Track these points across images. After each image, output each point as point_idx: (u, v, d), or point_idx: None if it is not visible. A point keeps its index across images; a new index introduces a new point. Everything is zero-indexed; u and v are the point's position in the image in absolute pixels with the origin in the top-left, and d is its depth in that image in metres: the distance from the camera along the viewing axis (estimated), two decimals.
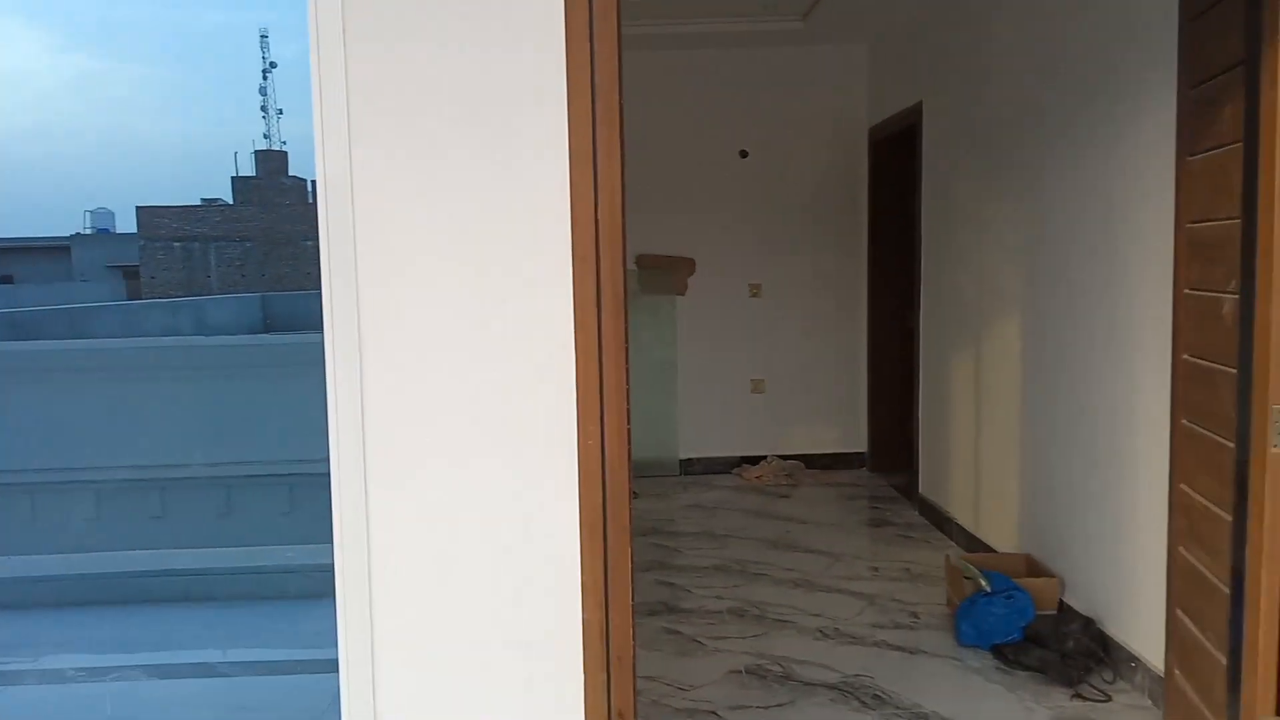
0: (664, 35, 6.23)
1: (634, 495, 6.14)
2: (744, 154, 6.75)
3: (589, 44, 2.06)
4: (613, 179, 2.09)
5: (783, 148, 6.75)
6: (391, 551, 2.09)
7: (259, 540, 5.83)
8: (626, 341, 2.17)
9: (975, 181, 4.96)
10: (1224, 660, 2.62)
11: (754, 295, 6.83)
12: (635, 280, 6.70)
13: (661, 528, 5.52)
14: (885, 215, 6.56)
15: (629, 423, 2.14)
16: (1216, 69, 2.70)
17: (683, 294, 6.76)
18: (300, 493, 6.64)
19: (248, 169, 30.83)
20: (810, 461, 6.80)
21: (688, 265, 6.75)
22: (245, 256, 27.54)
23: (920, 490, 5.79)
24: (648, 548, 5.12)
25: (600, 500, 2.09)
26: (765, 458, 6.74)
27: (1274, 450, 2.35)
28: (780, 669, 3.59)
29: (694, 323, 6.78)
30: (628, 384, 2.15)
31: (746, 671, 3.57)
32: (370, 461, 2.07)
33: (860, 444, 6.88)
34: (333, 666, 2.15)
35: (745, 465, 6.74)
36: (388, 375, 2.06)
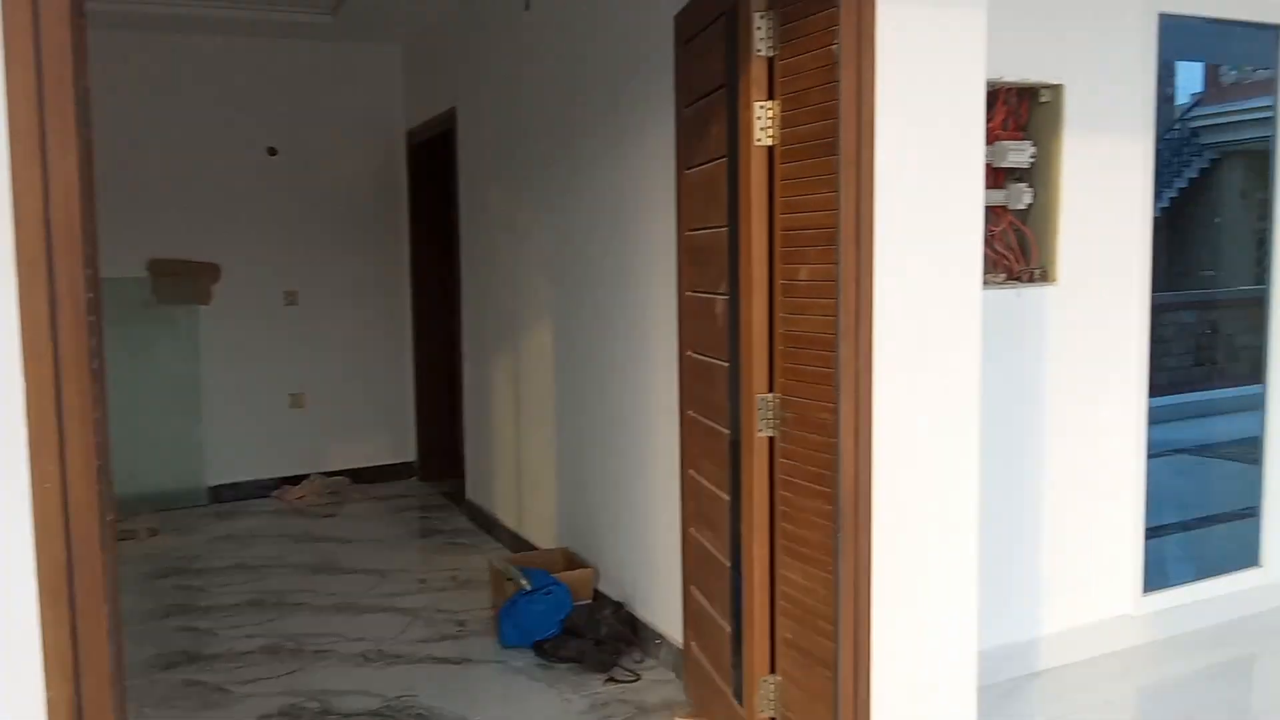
0: (182, 17, 5.63)
1: (152, 533, 5.49)
2: (273, 151, 6.31)
3: (32, 10, 1.72)
4: (69, 171, 1.76)
5: (317, 147, 6.41)
6: None
7: None
8: (100, 360, 1.85)
9: (509, 189, 5.06)
10: (728, 628, 2.88)
11: (290, 303, 6.41)
12: (149, 289, 5.98)
13: (185, 566, 4.95)
14: (427, 220, 6.51)
15: (103, 457, 1.82)
16: (704, 90, 2.95)
17: (206, 303, 6.15)
18: None
19: None
20: (357, 476, 6.53)
21: (210, 271, 6.15)
22: None
23: (468, 496, 5.81)
24: (168, 590, 4.56)
25: (64, 554, 1.75)
26: (308, 476, 6.36)
27: (760, 435, 2.61)
28: (318, 704, 3.35)
29: (221, 334, 6.20)
30: (101, 411, 1.83)
31: (280, 714, 3.29)
32: None
33: (409, 453, 6.76)
34: None
35: (286, 486, 6.30)
36: None
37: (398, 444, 6.73)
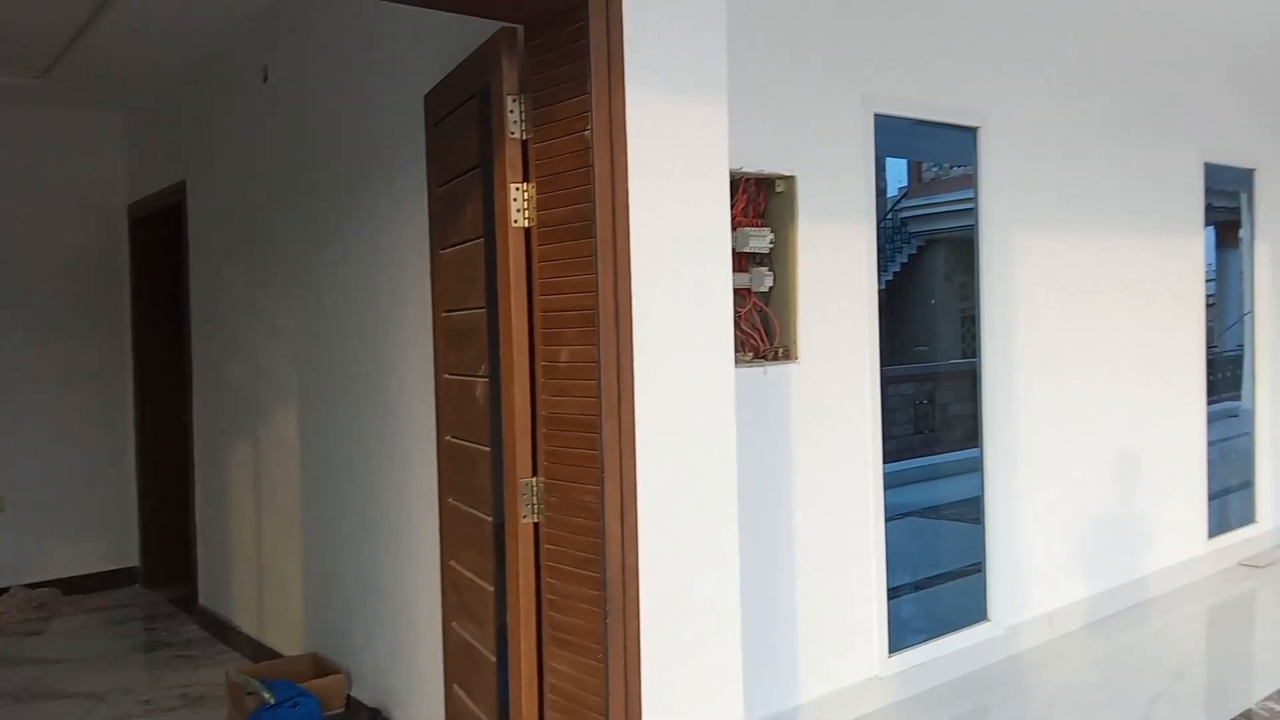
0: None
1: None
2: None
3: None
4: None
5: (21, 220, 5.79)
6: None
7: None
8: None
9: (247, 267, 4.76)
10: None
11: None
12: None
13: None
14: (153, 301, 6.01)
15: None
16: (458, 170, 2.91)
17: None
18: None
19: None
20: (70, 586, 5.80)
21: None
22: None
23: (201, 602, 5.30)
24: None
25: None
26: (8, 590, 5.58)
27: (524, 520, 2.54)
28: None
29: None
30: None
31: None
32: None
33: (131, 558, 6.10)
34: None
35: None
36: None
37: (117, 548, 6.06)
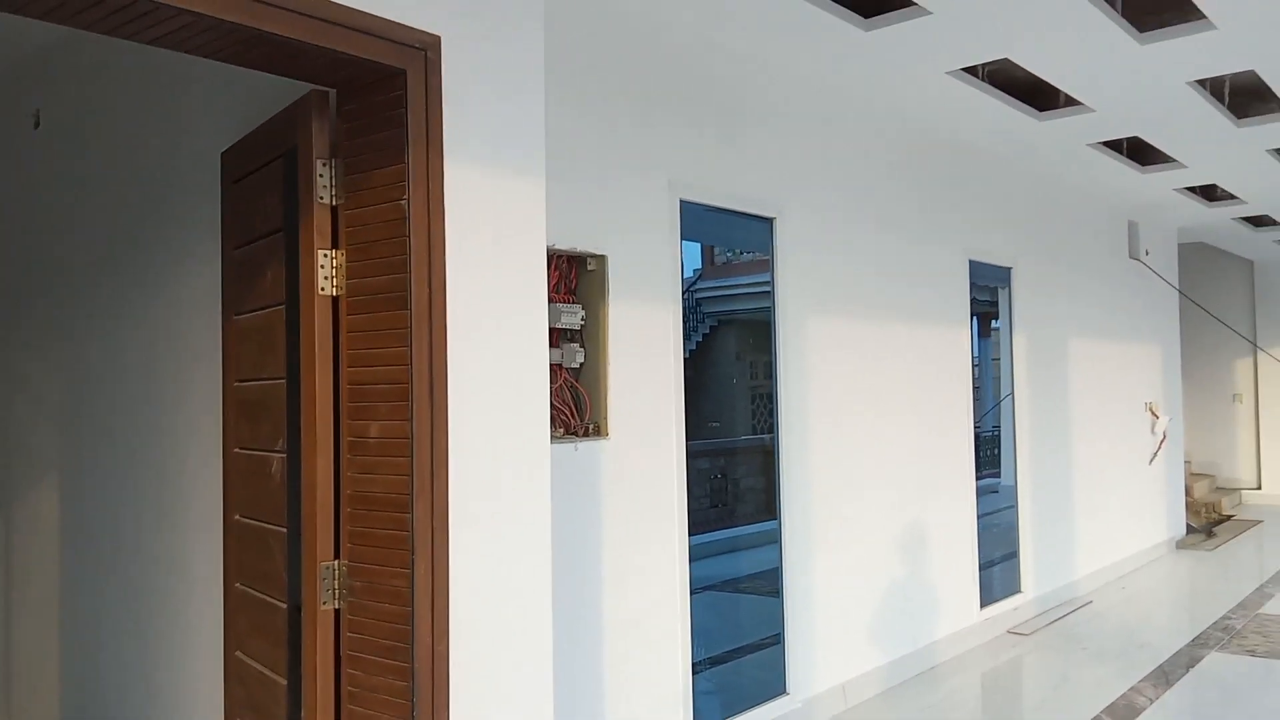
0: None
1: None
2: None
3: None
4: None
5: None
6: None
7: None
8: None
9: (3, 327, 4.31)
10: None
11: None
12: None
13: None
14: None
15: None
16: (259, 233, 2.76)
17: None
18: None
19: None
20: None
21: None
22: None
23: None
24: None
25: None
26: None
27: (323, 607, 2.38)
28: None
29: None
30: None
31: None
32: None
33: None
34: None
35: None
36: None
37: None
